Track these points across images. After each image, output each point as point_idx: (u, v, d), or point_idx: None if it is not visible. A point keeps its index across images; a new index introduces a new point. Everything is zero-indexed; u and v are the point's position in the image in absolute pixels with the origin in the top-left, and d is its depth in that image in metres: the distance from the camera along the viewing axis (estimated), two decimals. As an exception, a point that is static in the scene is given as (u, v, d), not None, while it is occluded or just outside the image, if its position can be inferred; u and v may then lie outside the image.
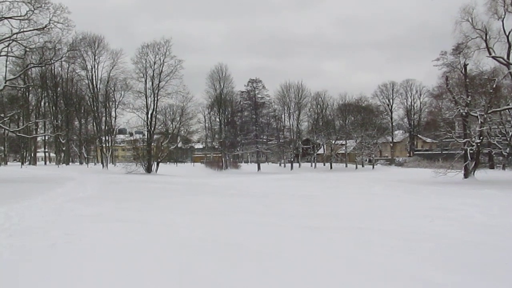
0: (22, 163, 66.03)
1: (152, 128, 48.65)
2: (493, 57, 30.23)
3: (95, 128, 66.10)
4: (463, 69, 33.39)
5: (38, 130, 66.30)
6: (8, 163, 69.46)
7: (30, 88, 62.43)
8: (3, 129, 43.50)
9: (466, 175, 31.71)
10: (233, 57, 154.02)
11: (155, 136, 50.37)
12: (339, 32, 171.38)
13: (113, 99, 63.56)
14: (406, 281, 5.36)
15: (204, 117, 77.32)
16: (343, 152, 70.89)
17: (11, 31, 28.33)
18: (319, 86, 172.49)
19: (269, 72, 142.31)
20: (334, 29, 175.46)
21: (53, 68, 64.91)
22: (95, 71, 60.71)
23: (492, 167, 47.67)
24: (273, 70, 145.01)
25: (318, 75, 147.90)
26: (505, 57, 29.39)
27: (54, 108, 70.24)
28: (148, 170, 46.29)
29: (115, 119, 65.18)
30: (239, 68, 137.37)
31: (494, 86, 31.04)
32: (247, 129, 67.32)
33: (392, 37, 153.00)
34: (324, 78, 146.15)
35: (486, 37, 30.12)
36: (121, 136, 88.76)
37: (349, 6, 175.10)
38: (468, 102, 31.74)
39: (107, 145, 63.03)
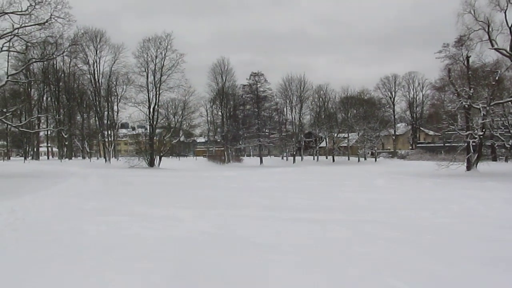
0: (25, 158, 66.13)
1: (154, 122, 48.82)
2: (496, 49, 30.01)
3: (97, 123, 65.91)
4: (466, 61, 33.19)
5: (41, 125, 66.22)
6: (11, 158, 69.64)
7: (32, 83, 62.33)
8: (5, 124, 43.57)
9: (468, 168, 31.68)
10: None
11: (157, 130, 50.54)
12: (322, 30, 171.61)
13: (115, 94, 63.02)
14: (407, 273, 5.39)
15: (206, 110, 76.97)
16: (346, 145, 70.85)
17: (12, 26, 28.24)
18: (319, 80, 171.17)
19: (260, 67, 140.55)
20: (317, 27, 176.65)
21: (55, 62, 64.49)
22: (97, 66, 60.21)
23: (494, 159, 47.66)
24: (263, 65, 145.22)
25: (311, 69, 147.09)
26: (508, 49, 29.21)
27: (56, 102, 70.04)
28: (151, 164, 46.43)
29: (117, 113, 64.78)
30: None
31: (497, 78, 30.96)
32: (249, 123, 67.31)
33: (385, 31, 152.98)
34: (320, 72, 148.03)
35: (488, 29, 29.82)
36: (124, 131, 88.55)
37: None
38: (471, 94, 31.57)
39: (110, 139, 63.06)
